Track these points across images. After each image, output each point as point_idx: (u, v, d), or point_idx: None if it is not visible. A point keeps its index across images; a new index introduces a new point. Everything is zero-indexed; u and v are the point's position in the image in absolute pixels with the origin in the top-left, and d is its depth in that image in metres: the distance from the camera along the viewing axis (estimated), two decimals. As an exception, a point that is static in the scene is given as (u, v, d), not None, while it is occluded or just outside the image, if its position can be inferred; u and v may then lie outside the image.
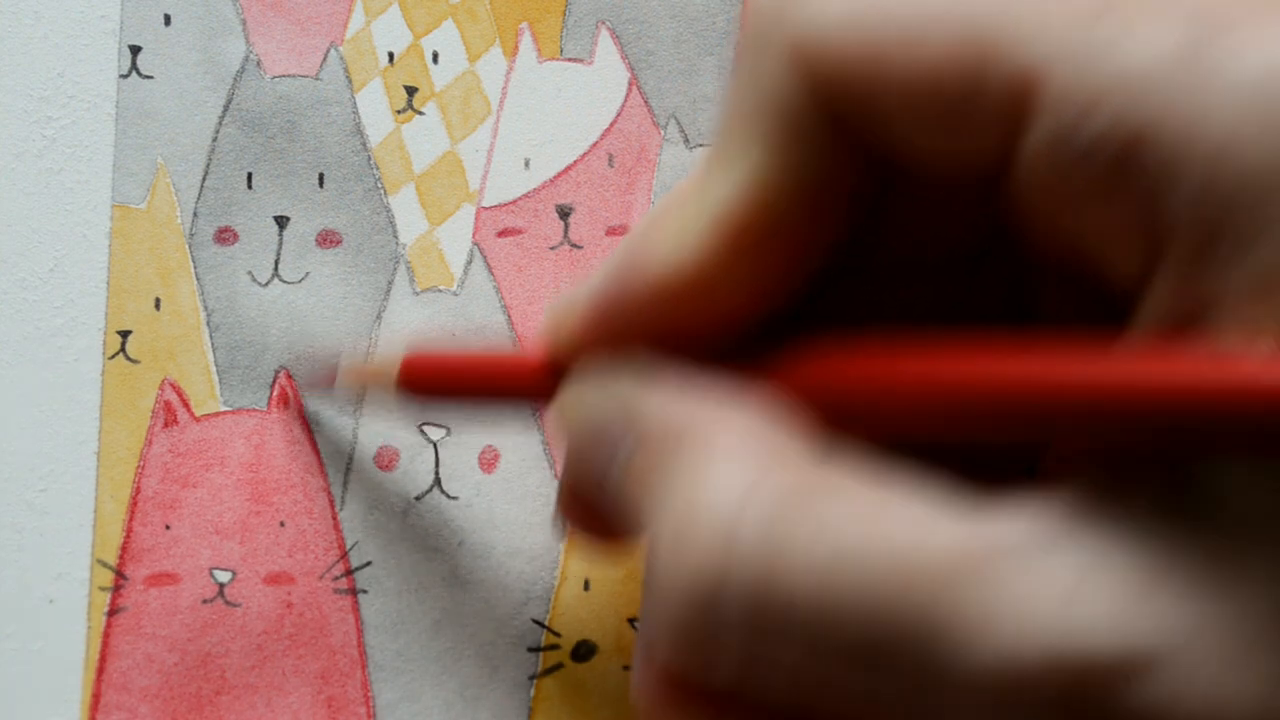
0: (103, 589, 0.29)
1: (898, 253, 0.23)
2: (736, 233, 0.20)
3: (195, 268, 0.31)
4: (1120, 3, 0.17)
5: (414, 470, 0.30)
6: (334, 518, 0.30)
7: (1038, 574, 0.17)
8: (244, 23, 0.32)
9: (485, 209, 0.32)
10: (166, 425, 0.30)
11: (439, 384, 0.26)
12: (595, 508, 0.24)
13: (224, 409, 0.30)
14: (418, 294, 0.31)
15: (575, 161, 0.32)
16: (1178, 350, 0.17)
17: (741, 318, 0.21)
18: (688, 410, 0.20)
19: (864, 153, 0.20)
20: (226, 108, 0.31)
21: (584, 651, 0.30)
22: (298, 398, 0.31)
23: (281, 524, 0.30)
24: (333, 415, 0.30)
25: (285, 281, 0.31)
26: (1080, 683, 0.16)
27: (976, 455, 0.21)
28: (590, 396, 0.22)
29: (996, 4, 0.18)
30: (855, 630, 0.17)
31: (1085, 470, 0.18)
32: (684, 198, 0.21)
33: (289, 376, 0.31)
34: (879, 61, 0.19)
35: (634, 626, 0.30)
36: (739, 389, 0.21)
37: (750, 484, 0.18)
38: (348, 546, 0.30)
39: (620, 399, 0.21)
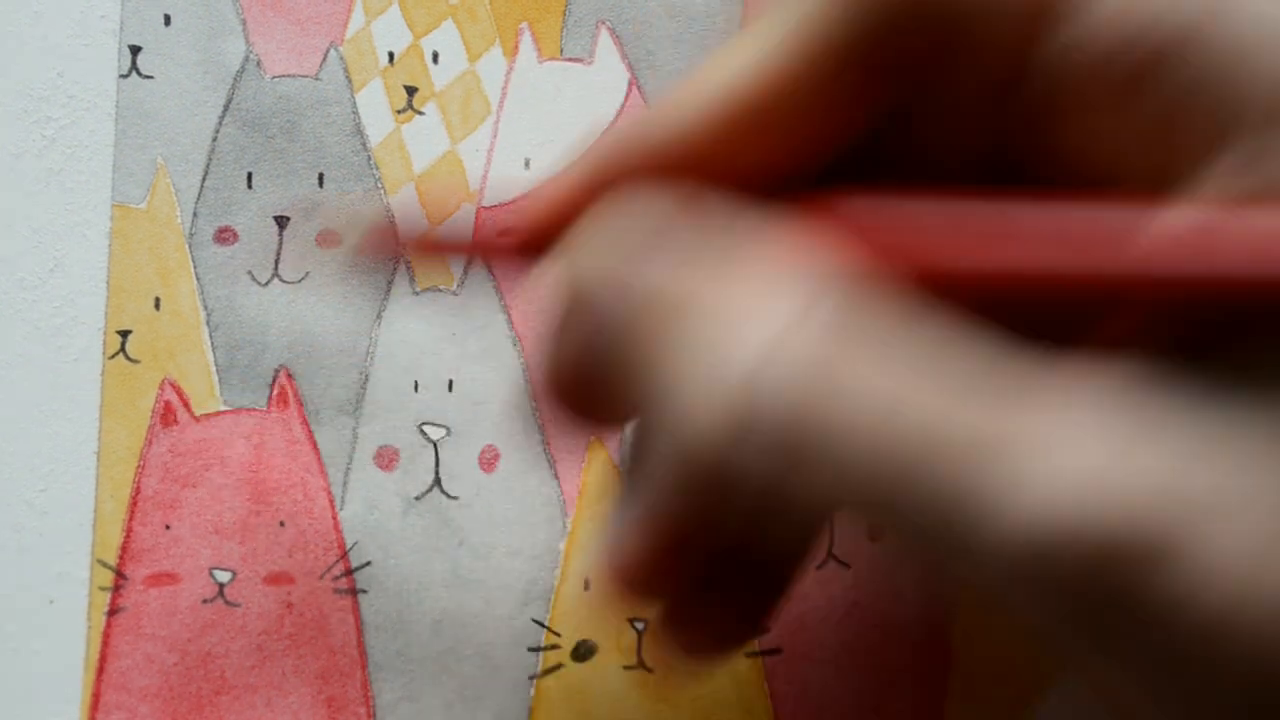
0: (103, 589, 0.29)
1: (913, 160, 0.22)
2: (769, 86, 0.19)
3: (195, 267, 0.31)
4: None
5: (414, 470, 0.30)
6: (334, 518, 0.30)
7: (1074, 440, 0.16)
8: (244, 23, 0.32)
9: (485, 208, 0.32)
10: (166, 425, 0.30)
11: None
12: (587, 374, 0.22)
13: (224, 409, 0.30)
14: (418, 294, 0.31)
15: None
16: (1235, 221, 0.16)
17: (756, 183, 0.20)
18: (734, 238, 0.19)
19: (899, 37, 0.19)
20: (226, 108, 0.31)
21: (584, 651, 0.30)
22: (298, 397, 0.31)
23: (281, 524, 0.30)
24: (333, 415, 0.30)
25: (285, 281, 0.31)
26: (1114, 551, 0.15)
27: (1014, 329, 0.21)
28: (623, 219, 0.20)
29: None
30: (886, 485, 0.16)
31: (1128, 348, 0.18)
32: (709, 63, 0.20)
33: (289, 375, 0.31)
34: None
35: (634, 626, 0.30)
36: (782, 225, 0.20)
37: (794, 318, 0.18)
38: (348, 546, 0.30)
39: (664, 214, 0.20)
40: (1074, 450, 0.16)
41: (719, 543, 0.20)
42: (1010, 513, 0.16)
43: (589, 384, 0.22)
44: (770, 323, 0.18)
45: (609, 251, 0.20)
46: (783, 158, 0.20)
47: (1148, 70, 0.17)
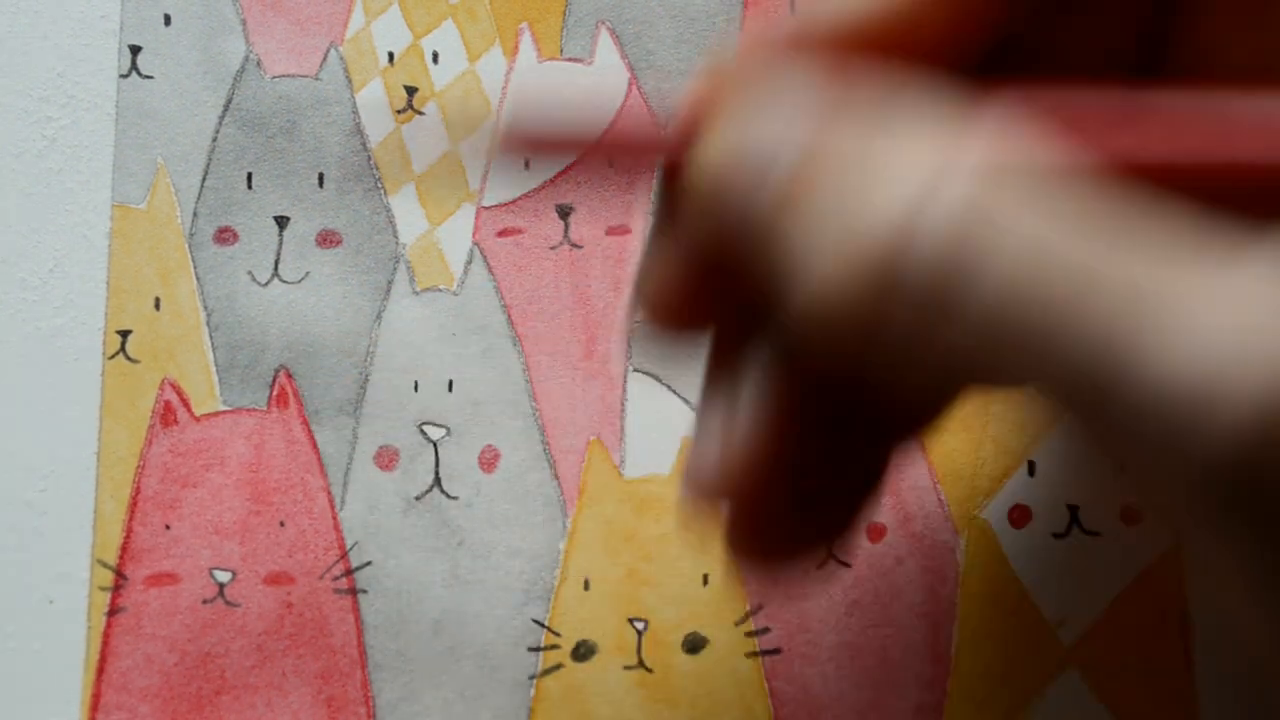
0: (103, 589, 0.29)
1: (1053, 60, 0.21)
2: None
3: (195, 268, 0.31)
4: None
5: (414, 470, 0.30)
6: (334, 518, 0.30)
7: (1238, 296, 0.15)
8: (244, 23, 0.32)
9: (485, 208, 0.32)
10: (166, 425, 0.30)
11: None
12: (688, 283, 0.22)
13: (224, 409, 0.30)
14: (418, 294, 0.31)
15: (576, 161, 0.32)
16: None
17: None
18: (886, 104, 0.18)
19: None
20: (226, 108, 0.31)
21: (584, 651, 0.30)
22: (298, 397, 0.30)
23: (281, 524, 0.30)
24: (333, 415, 0.30)
25: (285, 281, 0.31)
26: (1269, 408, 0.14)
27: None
28: (770, 90, 0.19)
29: None
30: (1035, 332, 0.16)
31: None
32: None
33: (288, 375, 0.31)
34: None
35: (634, 625, 0.30)
36: (938, 99, 0.19)
37: (947, 167, 0.17)
38: (348, 546, 0.30)
39: (812, 85, 0.19)
40: (1236, 306, 0.15)
41: (849, 400, 0.20)
42: (1164, 362, 0.15)
43: (699, 281, 0.21)
44: (923, 171, 0.17)
45: (757, 117, 0.19)
46: (937, 44, 0.20)
47: None
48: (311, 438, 0.30)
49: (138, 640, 0.29)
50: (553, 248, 0.32)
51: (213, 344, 0.31)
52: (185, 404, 0.30)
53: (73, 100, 0.31)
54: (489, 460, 0.31)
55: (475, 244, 0.32)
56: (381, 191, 0.32)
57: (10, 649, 0.29)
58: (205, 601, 0.30)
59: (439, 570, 0.30)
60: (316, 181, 0.31)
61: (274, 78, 0.32)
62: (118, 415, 0.30)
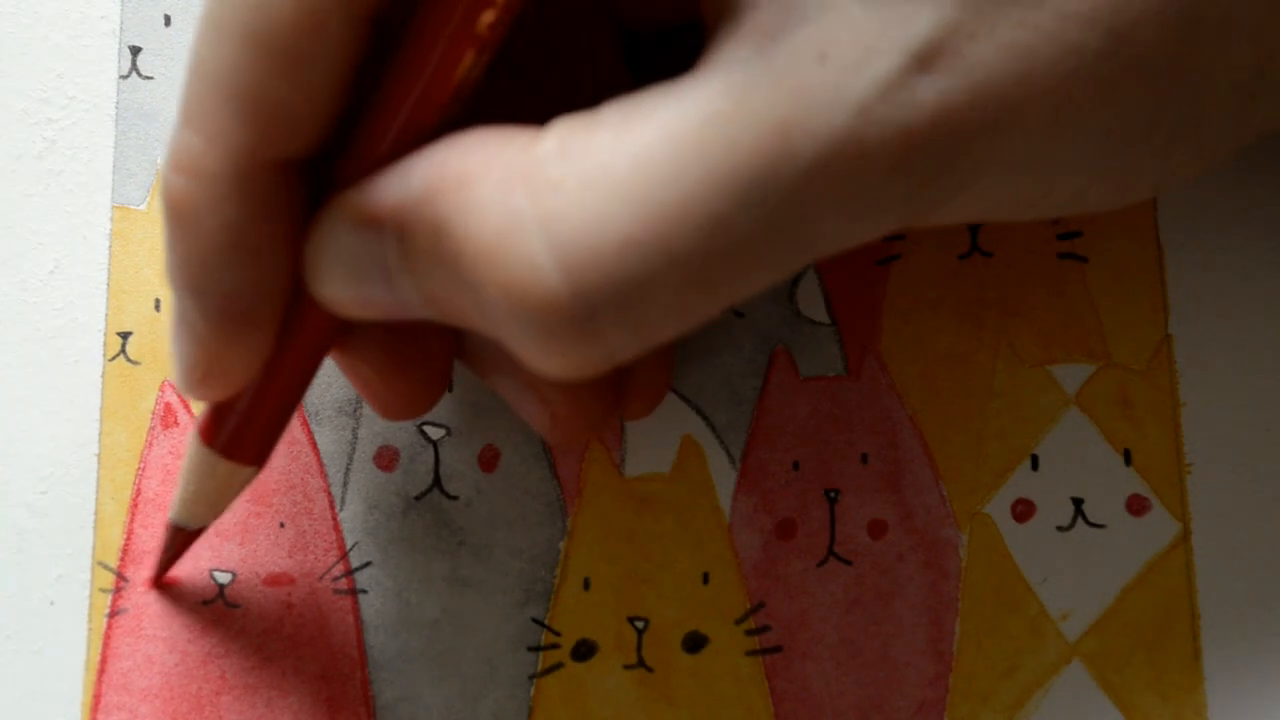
0: (103, 591, 0.29)
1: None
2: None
3: (195, 268, 0.31)
4: None
5: (414, 470, 0.30)
6: (334, 518, 0.30)
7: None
8: (243, 24, 0.32)
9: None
10: (167, 427, 0.30)
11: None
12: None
13: (224, 409, 0.30)
14: (417, 294, 0.31)
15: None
16: None
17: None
18: (416, 181, 0.21)
19: None
20: (226, 109, 0.31)
21: (584, 651, 0.30)
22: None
23: (281, 525, 0.30)
24: (333, 415, 0.30)
25: (285, 282, 0.31)
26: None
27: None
28: (328, 245, 0.23)
29: None
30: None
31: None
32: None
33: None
34: None
35: (634, 624, 0.30)
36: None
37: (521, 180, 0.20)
38: (348, 547, 0.30)
39: (350, 215, 0.22)
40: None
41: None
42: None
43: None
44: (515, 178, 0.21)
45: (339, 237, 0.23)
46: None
47: None
48: (311, 438, 0.30)
49: (138, 641, 0.29)
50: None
51: (213, 345, 0.31)
52: (186, 406, 0.30)
53: (73, 101, 0.31)
54: (489, 460, 0.31)
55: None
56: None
57: (11, 650, 0.29)
58: (205, 603, 0.30)
59: (439, 570, 0.30)
60: (316, 182, 0.31)
61: (273, 79, 0.32)
62: (118, 417, 0.30)
